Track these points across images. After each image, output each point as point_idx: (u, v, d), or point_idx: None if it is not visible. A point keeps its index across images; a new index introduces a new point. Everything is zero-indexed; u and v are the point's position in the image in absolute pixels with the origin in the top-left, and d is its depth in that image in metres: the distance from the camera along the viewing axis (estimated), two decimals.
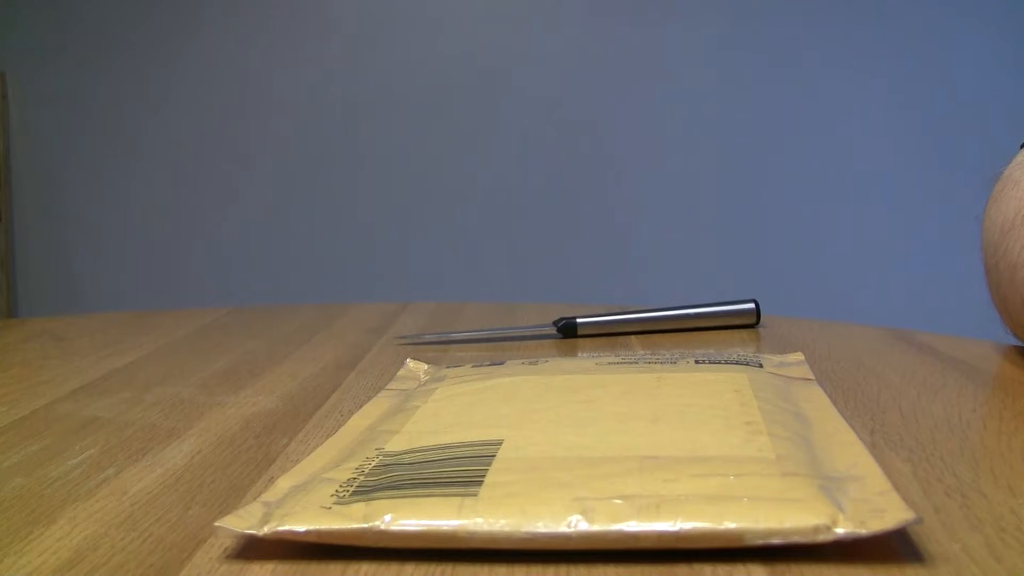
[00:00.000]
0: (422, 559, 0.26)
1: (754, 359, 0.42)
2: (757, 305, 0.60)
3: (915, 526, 0.26)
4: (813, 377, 0.41)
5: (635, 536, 0.24)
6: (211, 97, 2.02)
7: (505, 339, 0.61)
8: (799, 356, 0.45)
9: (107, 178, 2.06)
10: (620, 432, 0.31)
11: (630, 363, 0.42)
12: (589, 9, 1.95)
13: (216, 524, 0.27)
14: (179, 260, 2.07)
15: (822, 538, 0.24)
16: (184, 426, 0.42)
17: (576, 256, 1.99)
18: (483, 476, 0.28)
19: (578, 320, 0.60)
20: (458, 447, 0.31)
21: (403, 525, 0.26)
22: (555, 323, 0.61)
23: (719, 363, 0.41)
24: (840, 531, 0.24)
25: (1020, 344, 0.51)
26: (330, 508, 0.27)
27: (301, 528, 0.26)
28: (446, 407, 0.36)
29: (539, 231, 1.99)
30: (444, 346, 0.59)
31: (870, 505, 0.25)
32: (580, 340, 0.60)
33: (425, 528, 0.25)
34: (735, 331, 0.60)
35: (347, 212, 2.03)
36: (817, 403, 0.36)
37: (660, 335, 0.60)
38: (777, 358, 0.45)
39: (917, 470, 0.31)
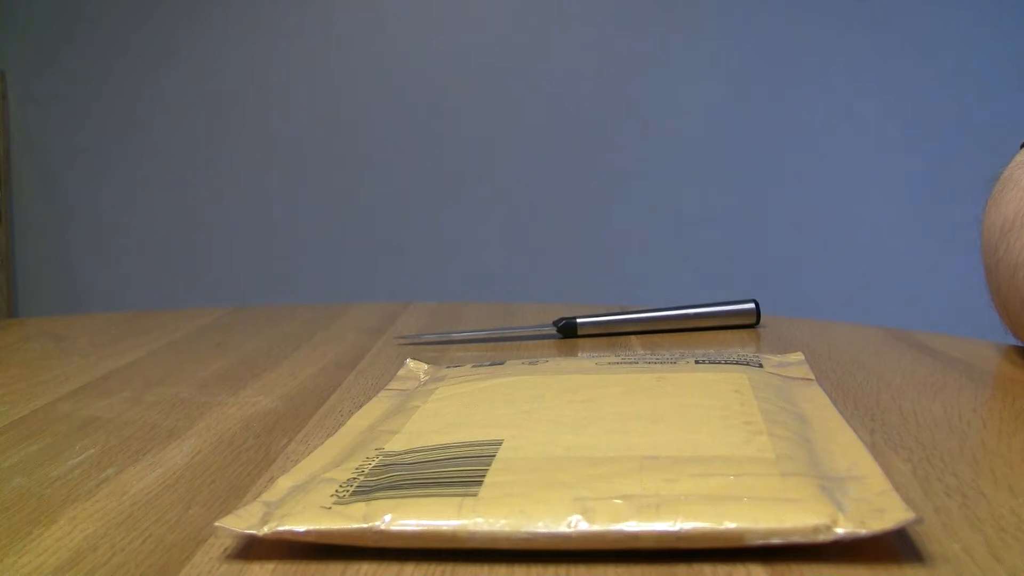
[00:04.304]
0: (422, 559, 0.26)
1: (754, 359, 0.42)
2: (757, 305, 0.60)
3: (915, 526, 0.26)
4: (813, 377, 0.41)
5: (635, 536, 0.24)
6: (211, 97, 2.02)
7: (505, 339, 0.61)
8: (799, 356, 0.45)
9: (107, 178, 2.06)
10: (620, 432, 0.31)
11: (630, 363, 0.42)
12: (590, 11, 1.95)
13: (216, 524, 0.27)
14: (179, 260, 2.07)
15: (822, 538, 0.24)
16: (184, 426, 0.42)
17: (576, 256, 1.99)
18: (483, 476, 0.28)
19: (578, 320, 0.60)
20: (458, 447, 0.31)
21: (403, 525, 0.26)
22: (555, 323, 0.61)
23: (719, 363, 0.41)
24: (840, 531, 0.24)
25: (1020, 344, 0.51)
26: (330, 508, 0.27)
27: (301, 528, 0.26)
28: (446, 407, 0.36)
29: (539, 231, 1.99)
30: (444, 346, 0.59)
31: (870, 505, 0.25)
32: (580, 340, 0.60)
33: (425, 528, 0.25)
34: (735, 331, 0.60)
35: (347, 212, 2.03)
36: (817, 403, 0.36)
37: (660, 335, 0.60)
38: (777, 358, 0.45)
39: (917, 470, 0.31)
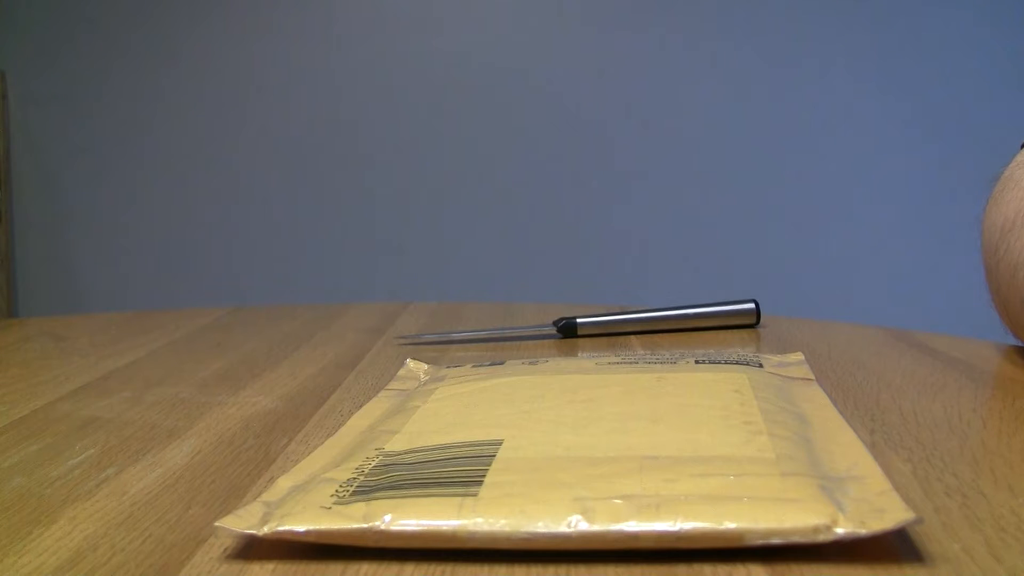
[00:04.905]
0: (422, 559, 0.26)
1: (754, 359, 0.42)
2: (757, 305, 0.60)
3: (915, 526, 0.26)
4: (813, 377, 0.41)
5: (635, 536, 0.24)
6: (211, 97, 2.02)
7: (505, 339, 0.61)
8: (799, 356, 0.45)
9: (107, 178, 2.06)
10: (620, 432, 0.31)
11: (630, 363, 0.42)
12: (590, 11, 1.95)
13: (216, 524, 0.27)
14: (179, 260, 2.07)
15: (822, 538, 0.24)
16: (184, 426, 0.42)
17: (576, 256, 1.99)
18: (483, 476, 0.28)
19: (578, 320, 0.60)
20: (458, 447, 0.31)
21: (403, 525, 0.26)
22: (555, 323, 0.61)
23: (719, 363, 0.41)
24: (840, 531, 0.24)
25: (1020, 344, 0.51)
26: (330, 508, 0.27)
27: (301, 528, 0.26)
28: (446, 407, 0.36)
29: (539, 231, 1.99)
30: (444, 346, 0.59)
31: (870, 505, 0.25)
32: (580, 340, 0.60)
33: (425, 528, 0.25)
34: (735, 331, 0.60)
35: (347, 212, 2.03)
36: (817, 403, 0.36)
37: (660, 335, 0.60)
38: (777, 358, 0.45)
39: (917, 470, 0.31)
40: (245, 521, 0.27)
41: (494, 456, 0.29)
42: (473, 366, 0.46)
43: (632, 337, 0.60)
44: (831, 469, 0.28)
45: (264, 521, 0.27)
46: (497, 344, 0.59)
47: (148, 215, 2.06)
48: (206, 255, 2.06)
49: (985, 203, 0.51)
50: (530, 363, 0.44)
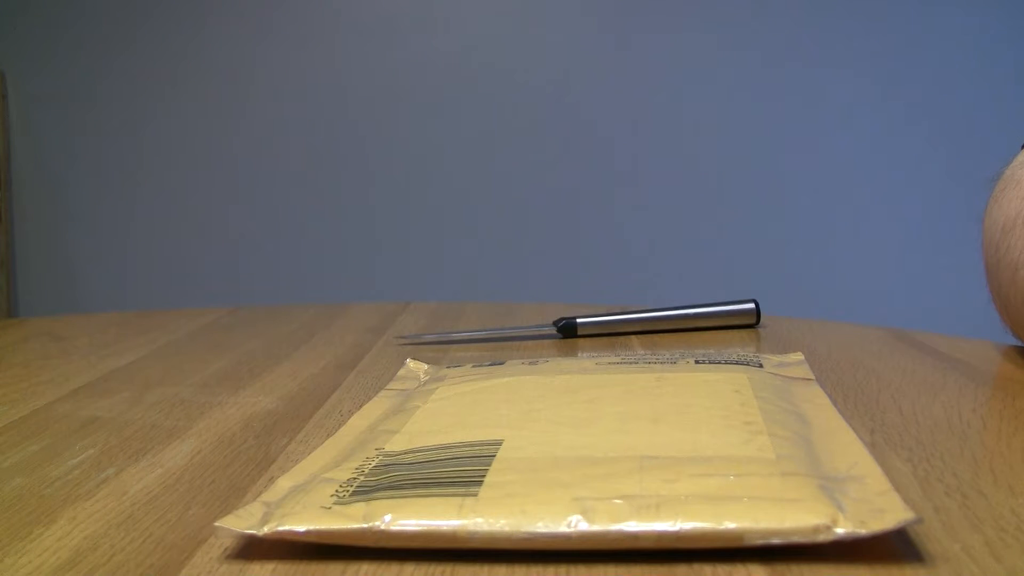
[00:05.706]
0: (422, 559, 0.26)
1: (754, 359, 0.42)
2: (757, 305, 0.60)
3: (915, 526, 0.26)
4: (813, 377, 0.41)
5: (635, 536, 0.24)
6: (212, 97, 2.02)
7: (505, 339, 0.61)
8: (799, 356, 0.45)
9: (107, 178, 2.06)
10: (620, 432, 0.31)
11: (630, 363, 0.42)
12: (590, 11, 1.95)
13: (216, 524, 0.27)
14: (179, 260, 2.07)
15: (822, 538, 0.24)
16: (184, 426, 0.42)
17: (576, 256, 1.99)
18: (483, 476, 0.28)
19: (578, 320, 0.60)
20: (458, 447, 0.31)
21: (403, 525, 0.26)
22: (555, 323, 0.61)
23: (719, 363, 0.41)
24: (840, 531, 0.24)
25: (1020, 344, 0.51)
26: (330, 508, 0.27)
27: (301, 528, 0.26)
28: (446, 407, 0.36)
29: (539, 231, 1.99)
30: (444, 346, 0.59)
31: (870, 505, 0.25)
32: (580, 340, 0.60)
33: (425, 528, 0.25)
34: (735, 331, 0.60)
35: (347, 212, 2.03)
36: (817, 403, 0.36)
37: (660, 335, 0.60)
38: (777, 358, 0.45)
39: (917, 470, 0.31)
40: (245, 521, 0.27)
41: (494, 456, 0.29)
42: (473, 366, 0.46)
43: (632, 337, 0.60)
44: (831, 469, 0.28)
45: (264, 521, 0.27)
46: (497, 344, 0.59)
47: (148, 215, 2.06)
48: (206, 255, 2.06)
49: (986, 203, 0.51)
50: (530, 363, 0.44)
